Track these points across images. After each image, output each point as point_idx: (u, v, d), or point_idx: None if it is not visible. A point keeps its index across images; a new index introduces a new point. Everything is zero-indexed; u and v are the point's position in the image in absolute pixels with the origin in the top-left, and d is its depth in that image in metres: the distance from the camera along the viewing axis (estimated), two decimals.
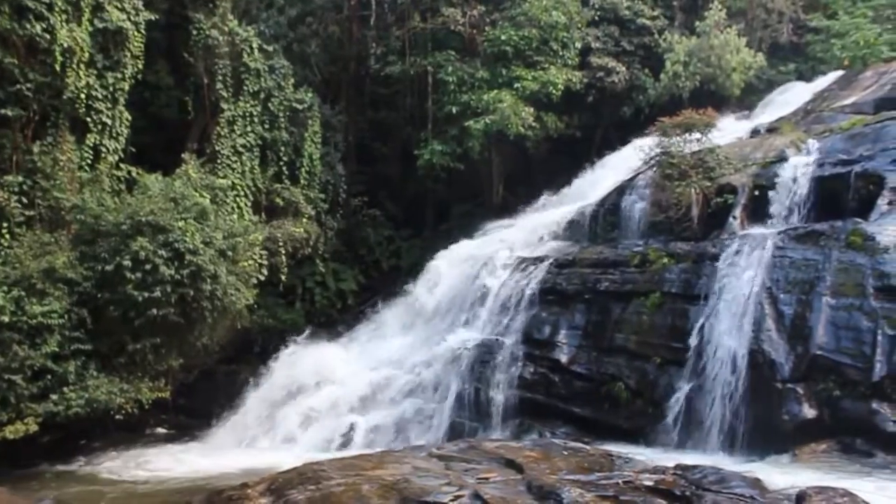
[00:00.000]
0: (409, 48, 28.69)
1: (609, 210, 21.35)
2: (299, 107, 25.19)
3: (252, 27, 24.71)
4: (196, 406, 22.24)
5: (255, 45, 24.07)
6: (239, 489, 10.50)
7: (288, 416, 20.54)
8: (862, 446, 14.03)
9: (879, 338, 14.43)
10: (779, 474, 12.21)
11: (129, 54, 20.69)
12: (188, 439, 20.92)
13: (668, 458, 13.13)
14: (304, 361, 22.14)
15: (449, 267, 22.72)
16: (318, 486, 9.66)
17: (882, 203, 16.83)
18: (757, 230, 17.94)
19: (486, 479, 10.08)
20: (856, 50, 28.47)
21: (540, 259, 20.71)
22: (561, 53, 27.26)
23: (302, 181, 25.23)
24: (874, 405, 14.13)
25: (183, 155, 22.28)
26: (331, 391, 20.93)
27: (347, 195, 27.65)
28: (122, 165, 21.06)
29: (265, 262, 22.01)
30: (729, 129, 23.24)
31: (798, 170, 18.68)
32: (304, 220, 24.83)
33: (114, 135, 20.64)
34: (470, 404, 19.10)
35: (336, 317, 26.62)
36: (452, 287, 21.89)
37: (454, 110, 26.72)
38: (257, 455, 18.67)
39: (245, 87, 23.87)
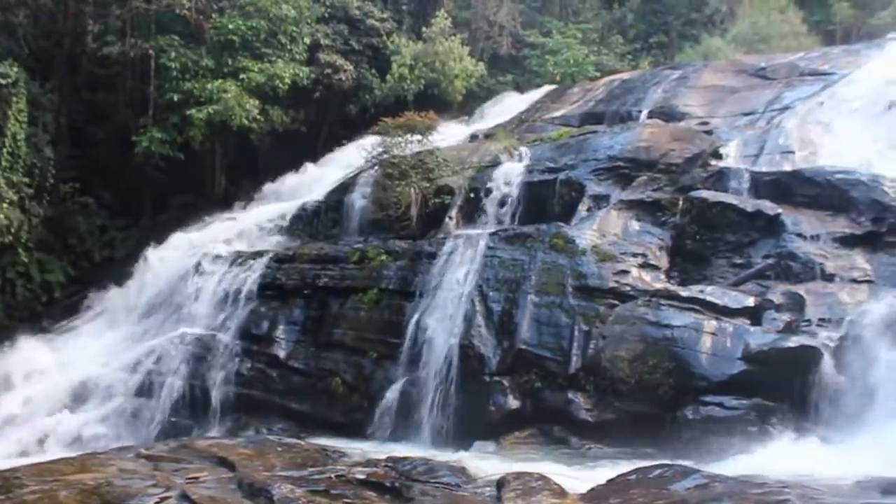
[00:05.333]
0: (131, 29, 27.16)
1: (331, 206, 21.60)
2: (3, 81, 22.99)
3: None
4: None
5: None
6: None
7: None
8: (559, 433, 15.21)
9: (576, 333, 15.69)
10: (484, 462, 12.92)
11: None
12: None
13: (382, 451, 13.44)
14: (3, 358, 20.43)
15: (165, 260, 21.86)
16: (8, 494, 8.92)
17: (582, 209, 18.41)
18: (471, 230, 18.84)
19: (196, 478, 9.81)
20: (566, 67, 30.78)
21: (259, 253, 20.45)
22: (289, 47, 27.12)
23: (3, 163, 23.04)
24: (570, 395, 15.34)
25: None
26: (32, 391, 19.39)
27: (56, 180, 25.63)
28: None
29: None
30: (450, 133, 24.23)
31: (510, 175, 19.94)
32: (6, 205, 22.76)
33: None
34: (185, 402, 18.47)
35: (41, 311, 24.69)
36: (169, 280, 21.04)
37: (176, 98, 25.78)
38: None
39: None
